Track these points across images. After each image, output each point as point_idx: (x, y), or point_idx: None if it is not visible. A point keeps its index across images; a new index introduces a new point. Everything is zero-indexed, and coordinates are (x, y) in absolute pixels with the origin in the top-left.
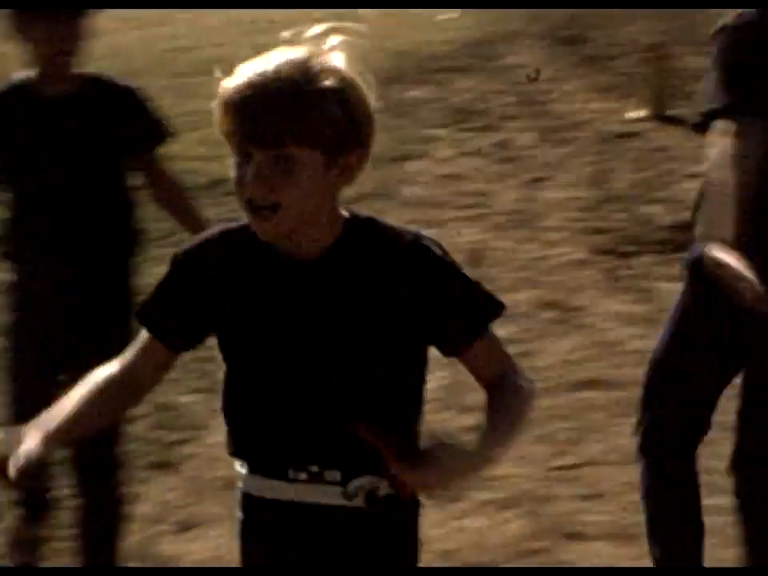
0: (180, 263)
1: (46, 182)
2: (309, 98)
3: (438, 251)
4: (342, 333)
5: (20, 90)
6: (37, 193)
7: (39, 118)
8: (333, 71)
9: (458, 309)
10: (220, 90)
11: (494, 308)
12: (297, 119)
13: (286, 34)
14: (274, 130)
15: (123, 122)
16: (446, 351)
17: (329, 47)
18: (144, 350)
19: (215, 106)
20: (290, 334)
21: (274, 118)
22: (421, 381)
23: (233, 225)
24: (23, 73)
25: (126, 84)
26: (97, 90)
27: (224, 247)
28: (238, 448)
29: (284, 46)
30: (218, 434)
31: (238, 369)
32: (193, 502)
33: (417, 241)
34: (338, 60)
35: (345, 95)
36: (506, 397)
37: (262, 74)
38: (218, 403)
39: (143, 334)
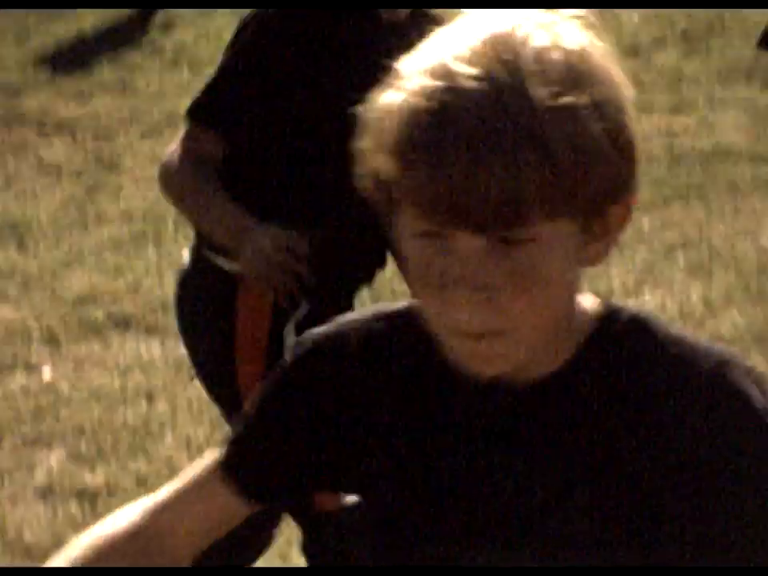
0: (296, 385)
1: None
2: (561, 124)
3: (761, 407)
4: (573, 522)
5: None
6: None
7: None
8: (587, 64)
9: (747, 532)
10: (382, 112)
11: None
12: (550, 172)
13: None
14: (511, 200)
15: None
16: None
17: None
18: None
19: (370, 133)
20: (490, 520)
21: (510, 177)
22: None
23: (389, 310)
24: None
25: None
26: None
27: (372, 358)
28: None
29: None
30: None
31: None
32: None
33: (720, 379)
34: (581, 38)
35: (610, 107)
36: None
37: (470, 88)
38: None
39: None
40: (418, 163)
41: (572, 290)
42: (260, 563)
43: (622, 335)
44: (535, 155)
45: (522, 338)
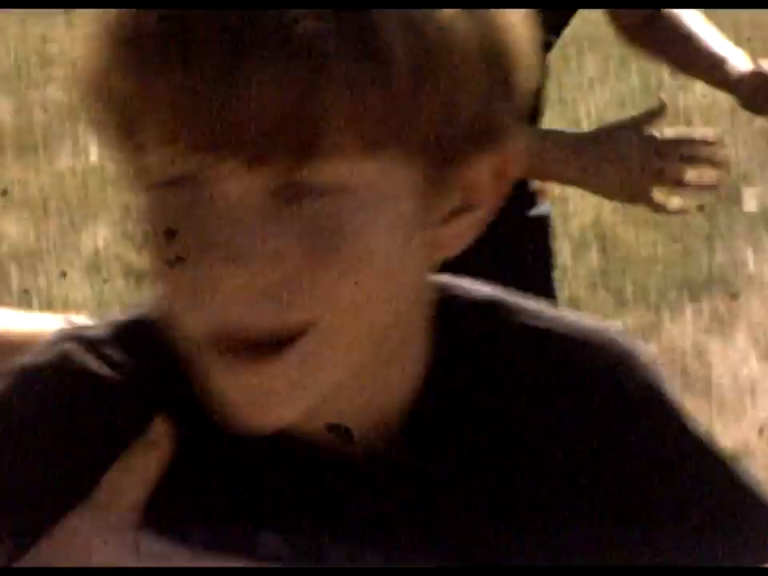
0: None
1: None
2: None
3: (667, 397)
4: None
5: None
6: None
7: None
8: None
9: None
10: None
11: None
12: (362, 67)
13: None
14: (297, 112)
15: None
16: None
17: None
18: None
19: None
20: None
21: (295, 76)
22: None
23: (117, 321)
24: None
25: None
26: None
27: (86, 403)
28: None
29: None
30: None
31: None
32: None
33: (616, 365)
34: None
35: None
36: None
37: None
38: None
39: None
40: (152, 60)
41: (415, 279)
42: None
43: (482, 327)
44: (339, 42)
45: (332, 346)
